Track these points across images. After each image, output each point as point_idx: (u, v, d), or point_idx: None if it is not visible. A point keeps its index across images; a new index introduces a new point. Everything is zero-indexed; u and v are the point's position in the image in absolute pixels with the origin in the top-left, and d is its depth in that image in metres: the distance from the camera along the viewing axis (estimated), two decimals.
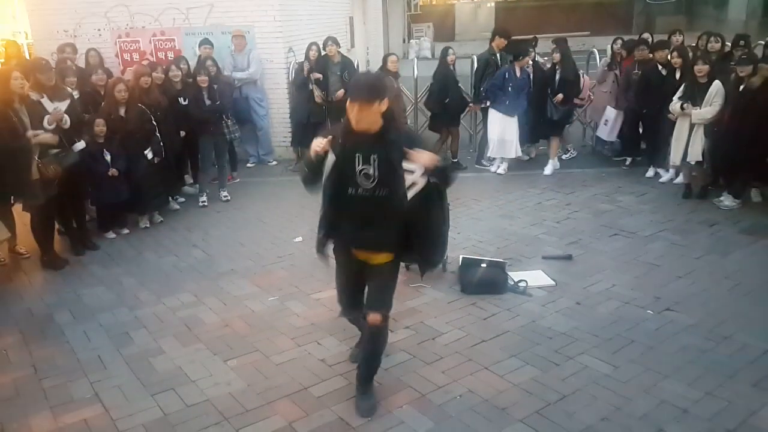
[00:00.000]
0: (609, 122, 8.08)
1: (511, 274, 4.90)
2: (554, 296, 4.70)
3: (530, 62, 8.01)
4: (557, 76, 7.91)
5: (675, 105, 6.67)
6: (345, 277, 3.45)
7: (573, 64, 8.07)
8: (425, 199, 3.06)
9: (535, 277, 4.94)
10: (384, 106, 2.98)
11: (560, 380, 3.64)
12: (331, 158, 3.07)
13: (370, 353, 3.47)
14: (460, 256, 5.08)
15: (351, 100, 2.97)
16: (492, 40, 8.29)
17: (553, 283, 4.90)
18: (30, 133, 5.25)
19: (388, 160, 2.99)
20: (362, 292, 3.46)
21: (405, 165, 2.95)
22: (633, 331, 4.16)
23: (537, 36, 9.81)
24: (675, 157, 6.87)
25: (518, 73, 7.75)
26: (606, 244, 5.67)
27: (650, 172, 7.71)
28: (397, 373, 3.77)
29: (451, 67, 8.16)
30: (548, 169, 8.07)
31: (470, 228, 6.16)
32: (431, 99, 8.43)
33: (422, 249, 3.32)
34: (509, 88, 7.65)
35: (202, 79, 6.96)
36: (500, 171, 8.13)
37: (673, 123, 6.79)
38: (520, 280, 4.81)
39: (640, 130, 7.96)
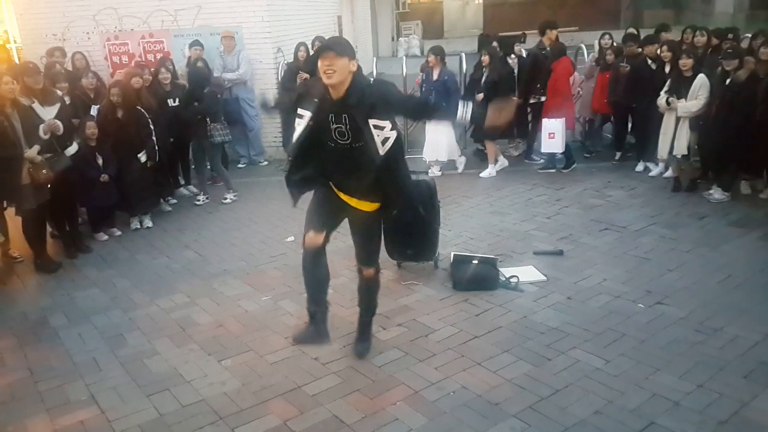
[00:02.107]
0: (556, 134, 7.58)
1: (502, 270, 4.93)
2: (546, 291, 4.74)
3: (516, 58, 8.09)
4: (484, 79, 7.84)
5: (661, 99, 6.74)
6: (322, 202, 3.51)
7: (504, 65, 7.99)
8: (393, 150, 3.29)
9: (526, 273, 4.97)
10: (353, 66, 3.17)
11: (553, 375, 3.67)
12: (305, 115, 3.30)
13: (367, 298, 3.88)
14: (452, 253, 5.11)
15: (322, 56, 3.12)
16: (542, 34, 8.13)
17: (545, 278, 4.93)
18: (27, 154, 5.26)
19: (357, 119, 3.18)
20: (334, 224, 3.58)
21: (375, 122, 3.18)
22: (624, 324, 4.20)
23: (526, 32, 9.85)
24: (662, 150, 6.93)
25: (435, 75, 7.78)
26: (596, 239, 5.72)
27: (640, 167, 7.76)
28: (391, 370, 3.79)
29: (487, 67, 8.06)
30: (484, 173, 7.91)
31: (461, 225, 6.20)
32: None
33: (393, 196, 3.47)
34: (432, 91, 7.73)
35: (164, 76, 7.07)
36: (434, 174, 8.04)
37: (662, 117, 6.85)
38: (512, 276, 4.84)
39: (629, 125, 8.05)
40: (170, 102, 7.10)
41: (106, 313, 4.77)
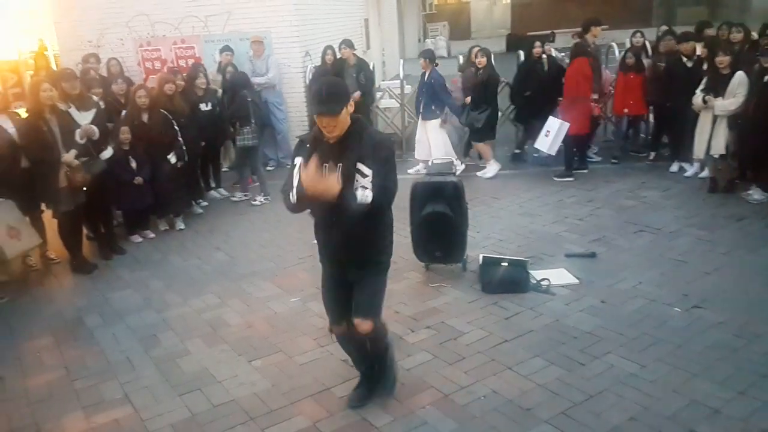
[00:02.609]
0: (551, 133, 7.39)
1: (533, 272, 4.87)
2: (578, 294, 4.66)
3: (544, 56, 7.98)
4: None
5: (697, 98, 6.59)
6: (328, 287, 3.34)
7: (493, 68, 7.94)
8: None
9: (558, 276, 4.90)
10: (351, 107, 2.95)
11: (586, 380, 3.61)
12: (297, 162, 3.05)
13: (375, 350, 3.43)
14: (481, 255, 5.07)
15: (318, 115, 2.90)
16: (586, 31, 7.95)
17: (577, 281, 4.86)
18: (64, 158, 5.38)
19: (351, 168, 2.94)
20: (348, 301, 3.27)
21: (361, 167, 2.95)
22: (660, 329, 4.11)
23: (555, 31, 9.74)
24: (698, 150, 6.77)
25: (426, 77, 7.80)
26: (630, 241, 5.61)
27: (674, 167, 7.59)
28: (419, 373, 3.77)
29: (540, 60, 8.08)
30: (489, 173, 7.91)
31: (490, 226, 6.14)
32: (512, 92, 8.41)
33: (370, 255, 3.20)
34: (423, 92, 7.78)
35: (201, 81, 7.16)
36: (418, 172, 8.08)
37: (697, 116, 6.70)
38: (543, 279, 4.78)
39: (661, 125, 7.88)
40: (202, 107, 7.19)
41: (139, 314, 4.85)
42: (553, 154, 7.49)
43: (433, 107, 7.81)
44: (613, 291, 4.69)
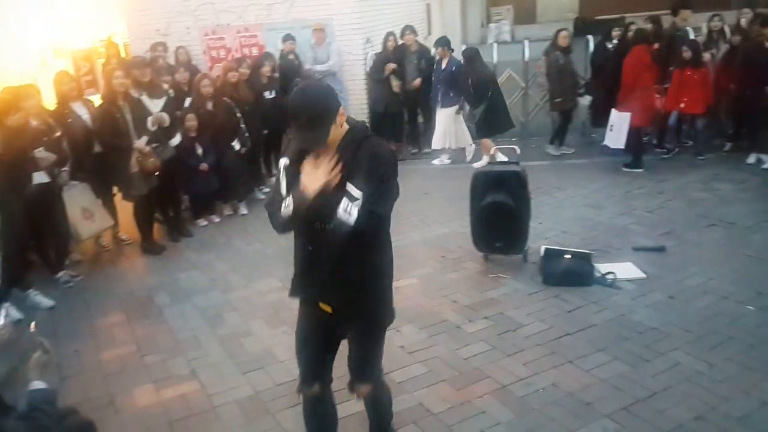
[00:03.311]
0: (615, 127, 7.15)
1: (598, 265, 4.75)
2: (645, 289, 4.52)
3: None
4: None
5: None
6: (307, 328, 2.69)
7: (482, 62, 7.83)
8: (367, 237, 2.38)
9: (624, 270, 4.76)
10: (341, 118, 2.34)
11: (650, 377, 3.51)
12: (280, 168, 2.51)
13: (374, 412, 2.97)
14: (542, 247, 4.98)
15: (302, 146, 2.38)
16: (675, 14, 7.77)
17: (644, 275, 4.71)
18: (136, 144, 5.59)
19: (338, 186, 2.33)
20: (326, 353, 2.71)
21: (349, 187, 2.32)
22: (731, 327, 3.95)
23: (625, 15, 9.40)
24: None
25: (443, 65, 7.77)
26: (702, 235, 5.40)
27: (751, 158, 7.23)
28: (477, 363, 3.76)
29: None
30: (478, 163, 7.72)
31: (553, 217, 6.02)
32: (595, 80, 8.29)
33: (361, 301, 2.56)
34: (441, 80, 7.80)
35: (266, 70, 7.22)
36: (442, 162, 8.16)
37: None
38: (608, 272, 4.66)
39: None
40: (266, 95, 7.32)
41: (206, 294, 5.02)
42: (622, 147, 7.23)
43: (451, 94, 7.84)
44: (682, 287, 4.53)
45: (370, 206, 2.32)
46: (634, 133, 7.17)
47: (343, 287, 2.50)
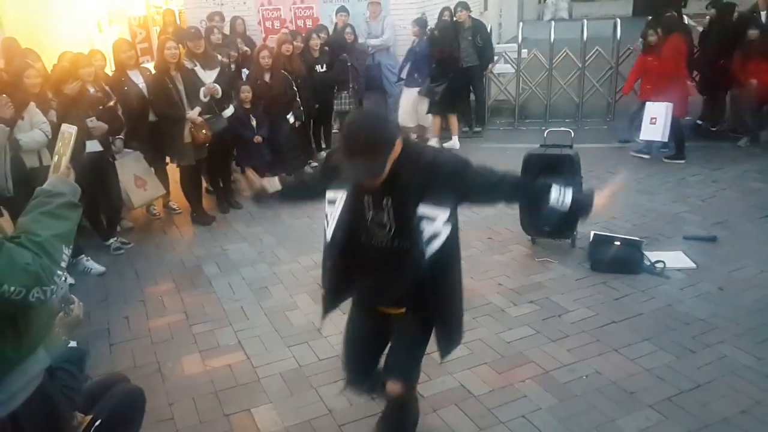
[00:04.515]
0: (658, 119, 6.78)
1: (647, 253, 4.67)
2: (694, 280, 4.44)
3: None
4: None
5: None
6: (359, 334, 2.72)
7: (452, 38, 7.66)
8: (443, 253, 2.29)
9: (674, 259, 4.67)
10: (398, 149, 2.21)
11: (696, 368, 3.47)
12: (338, 197, 2.39)
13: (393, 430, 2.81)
14: (592, 232, 4.92)
15: (351, 179, 2.30)
16: None
17: (694, 265, 4.62)
18: (189, 115, 5.68)
19: (404, 206, 2.27)
20: (378, 358, 2.70)
21: (426, 210, 2.23)
22: None
23: None
24: None
25: (418, 48, 7.67)
26: (756, 227, 5.25)
27: None
28: (520, 347, 3.76)
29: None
30: (447, 144, 7.87)
31: None
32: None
33: (439, 313, 2.53)
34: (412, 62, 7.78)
35: (315, 42, 7.24)
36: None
37: None
38: (657, 261, 4.58)
39: None
40: (318, 68, 7.34)
41: (253, 266, 5.13)
42: (667, 140, 6.97)
43: (416, 75, 7.80)
44: (732, 278, 4.43)
45: (499, 186, 2.33)
46: (675, 124, 6.94)
47: (423, 286, 2.42)
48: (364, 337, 2.68)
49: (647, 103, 6.98)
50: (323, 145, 8.18)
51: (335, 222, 2.38)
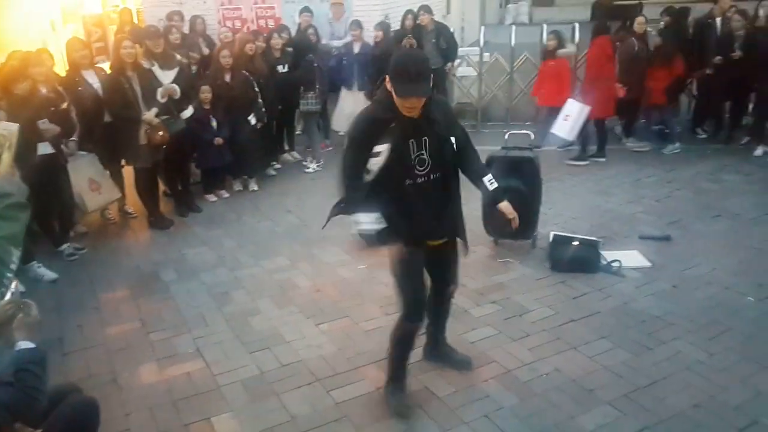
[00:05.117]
0: (570, 117, 6.92)
1: (604, 253, 4.77)
2: (649, 278, 4.55)
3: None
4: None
5: None
6: (418, 266, 3.11)
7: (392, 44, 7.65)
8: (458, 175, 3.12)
9: (630, 258, 4.79)
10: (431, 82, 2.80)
11: (652, 365, 3.56)
12: (383, 149, 2.83)
13: (445, 317, 3.58)
14: (551, 233, 5.00)
15: (405, 97, 2.71)
16: (715, 1, 7.70)
17: (649, 264, 4.73)
18: (145, 116, 5.56)
19: (439, 140, 2.90)
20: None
21: (451, 141, 2.99)
22: (732, 318, 3.99)
23: (643, 2, 9.28)
24: None
25: (356, 50, 7.68)
26: (708, 226, 5.41)
27: (759, 151, 7.22)
28: (483, 348, 3.80)
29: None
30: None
31: (563, 204, 6.03)
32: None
33: (460, 227, 3.22)
34: (354, 65, 7.74)
35: (276, 42, 7.20)
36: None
37: None
38: (614, 260, 4.68)
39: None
40: (280, 68, 7.27)
41: (213, 271, 5.04)
42: (573, 139, 7.12)
43: (365, 77, 7.81)
44: (685, 276, 4.56)
45: (474, 150, 3.13)
46: (599, 124, 7.12)
47: (449, 219, 3.11)
48: (421, 268, 3.12)
49: (569, 99, 7.10)
50: (286, 147, 8.12)
51: (382, 164, 2.84)
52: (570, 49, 8.04)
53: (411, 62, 2.74)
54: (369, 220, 2.90)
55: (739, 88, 7.44)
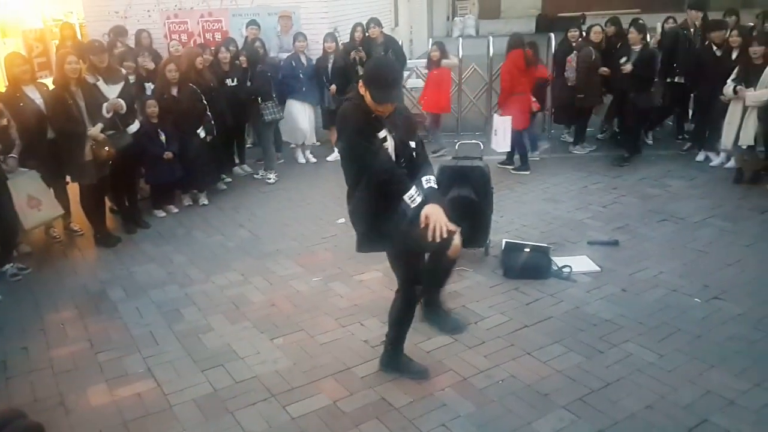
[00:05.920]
0: (498, 131, 7.10)
1: (555, 259, 4.86)
2: (599, 282, 4.65)
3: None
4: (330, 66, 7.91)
5: (728, 88, 6.47)
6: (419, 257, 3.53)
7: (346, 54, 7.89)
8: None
9: (579, 263, 4.89)
10: None
11: (604, 367, 3.62)
12: (385, 132, 3.15)
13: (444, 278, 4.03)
14: (503, 240, 5.06)
15: (386, 102, 3.02)
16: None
17: (599, 269, 4.84)
18: (90, 132, 5.42)
19: (402, 141, 3.20)
20: None
21: (411, 145, 3.26)
22: (679, 319, 4.10)
23: (585, 14, 9.58)
24: (727, 140, 6.67)
25: (305, 61, 7.91)
26: (654, 230, 5.57)
27: (700, 156, 7.49)
28: (439, 356, 3.80)
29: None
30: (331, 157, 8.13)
31: (514, 211, 6.12)
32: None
33: None
34: (300, 76, 7.84)
35: (243, 60, 7.18)
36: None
37: (726, 106, 6.60)
38: (564, 266, 4.77)
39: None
40: (228, 82, 7.21)
41: (163, 288, 4.92)
42: (508, 149, 7.30)
43: (311, 89, 7.99)
44: (634, 280, 4.67)
45: (428, 158, 3.36)
46: (516, 136, 7.21)
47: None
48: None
49: (495, 116, 7.29)
50: (237, 161, 8.01)
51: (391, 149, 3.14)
52: (452, 60, 8.41)
53: (388, 70, 3.04)
54: (416, 193, 3.08)
55: (681, 97, 7.74)
